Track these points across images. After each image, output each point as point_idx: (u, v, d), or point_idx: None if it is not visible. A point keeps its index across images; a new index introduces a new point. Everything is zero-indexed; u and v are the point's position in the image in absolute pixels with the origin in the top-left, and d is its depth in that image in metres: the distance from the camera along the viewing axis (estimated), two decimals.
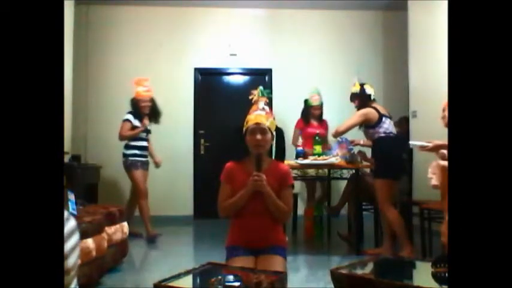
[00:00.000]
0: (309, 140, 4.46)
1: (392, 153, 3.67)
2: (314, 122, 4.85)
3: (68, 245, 1.33)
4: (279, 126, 2.27)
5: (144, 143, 4.52)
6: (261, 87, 2.30)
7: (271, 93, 2.34)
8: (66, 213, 1.41)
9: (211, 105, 5.81)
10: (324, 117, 4.98)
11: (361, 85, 3.91)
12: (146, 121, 4.47)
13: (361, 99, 3.87)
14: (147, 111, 4.47)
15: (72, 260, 1.32)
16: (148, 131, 4.56)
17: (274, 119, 2.21)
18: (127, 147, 4.47)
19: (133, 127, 4.41)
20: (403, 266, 2.13)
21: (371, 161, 3.95)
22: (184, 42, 5.81)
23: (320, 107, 4.84)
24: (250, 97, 2.29)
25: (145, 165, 4.53)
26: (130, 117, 4.42)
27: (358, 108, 3.88)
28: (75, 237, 1.41)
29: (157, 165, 4.74)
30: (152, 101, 4.52)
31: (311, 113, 4.83)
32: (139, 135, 4.47)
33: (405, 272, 2.04)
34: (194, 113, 5.77)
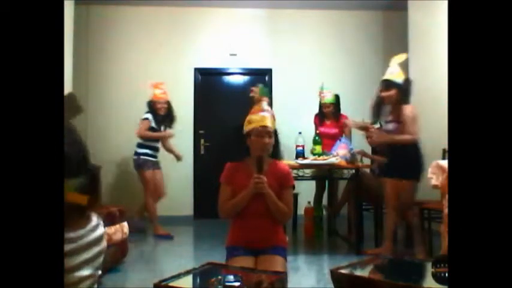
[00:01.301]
0: (324, 140, 4.23)
1: (422, 155, 3.49)
2: (328, 121, 4.55)
3: (89, 254, 1.31)
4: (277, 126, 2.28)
5: (157, 144, 4.66)
6: (261, 85, 2.28)
7: (270, 91, 2.35)
8: (97, 220, 1.40)
9: (211, 105, 5.81)
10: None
11: (407, 80, 3.49)
12: (164, 135, 4.62)
13: (403, 93, 3.42)
14: (162, 112, 4.59)
15: (86, 272, 1.30)
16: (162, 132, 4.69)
17: (274, 119, 2.21)
18: (139, 146, 4.57)
19: (151, 128, 4.54)
20: (403, 266, 2.13)
21: (378, 159, 3.93)
22: (184, 42, 5.81)
23: (330, 104, 4.48)
24: (251, 94, 2.28)
25: (156, 165, 4.66)
26: (149, 116, 4.53)
27: (392, 101, 3.44)
28: (99, 247, 1.38)
29: (178, 158, 4.85)
30: (168, 103, 4.64)
31: (323, 111, 4.56)
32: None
33: (405, 272, 2.04)
34: (194, 113, 5.77)
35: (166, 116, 4.64)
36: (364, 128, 3.94)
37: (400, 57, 3.57)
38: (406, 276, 1.97)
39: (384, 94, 3.45)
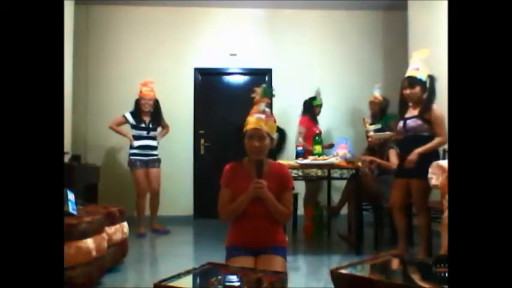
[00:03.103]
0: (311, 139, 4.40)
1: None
2: (315, 122, 4.92)
3: None
4: (280, 126, 2.24)
5: (145, 142, 4.69)
6: (264, 86, 2.22)
7: (273, 91, 2.27)
8: None
9: (211, 105, 5.81)
10: (322, 116, 5.07)
11: (431, 77, 3.30)
12: (128, 136, 4.70)
13: (428, 90, 3.30)
14: (146, 109, 4.70)
15: None
16: (149, 129, 4.72)
17: (275, 121, 2.17)
18: (130, 147, 4.69)
19: (131, 125, 4.70)
20: (403, 266, 2.13)
21: (388, 165, 3.90)
22: (184, 42, 5.81)
23: (320, 106, 4.91)
24: (252, 95, 2.23)
25: (146, 164, 4.69)
26: (127, 114, 4.71)
27: (416, 98, 3.35)
28: None
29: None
30: (155, 101, 4.76)
31: (316, 111, 4.85)
32: (139, 134, 4.67)
33: (405, 272, 2.03)
34: (194, 113, 5.77)
35: (152, 113, 4.74)
36: (388, 138, 3.91)
37: (422, 53, 3.43)
38: (406, 276, 1.97)
39: (408, 92, 3.35)
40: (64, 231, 2.01)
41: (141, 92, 4.71)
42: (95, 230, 2.66)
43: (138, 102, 4.71)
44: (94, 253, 2.58)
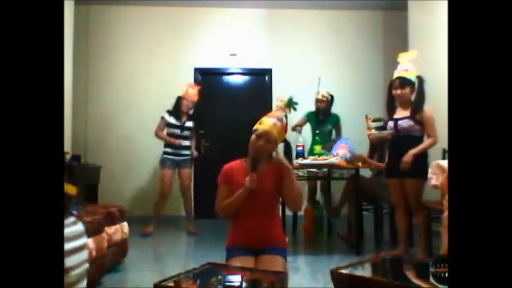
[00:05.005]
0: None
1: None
2: None
3: (71, 245, 1.35)
4: (287, 139, 2.33)
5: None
6: (291, 97, 2.30)
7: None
8: (73, 218, 1.44)
9: (211, 105, 5.81)
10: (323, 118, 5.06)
11: (420, 78, 3.39)
12: (178, 141, 4.63)
13: (417, 91, 3.37)
14: (186, 109, 4.65)
15: (73, 259, 1.34)
16: (184, 129, 4.66)
17: (286, 131, 2.24)
18: (164, 144, 4.67)
19: (168, 124, 4.64)
20: (403, 266, 2.13)
21: (378, 165, 3.89)
22: (184, 42, 5.81)
23: None
24: (278, 100, 2.32)
25: (177, 164, 4.67)
26: (165, 114, 4.66)
27: (406, 98, 3.40)
28: (81, 240, 1.42)
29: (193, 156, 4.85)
30: (196, 104, 4.72)
31: None
32: (173, 132, 4.64)
33: (405, 272, 2.04)
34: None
35: (190, 115, 4.70)
36: (387, 137, 3.88)
37: (410, 55, 3.52)
38: (406, 276, 1.97)
39: (399, 92, 3.39)
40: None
41: (186, 92, 4.64)
42: (95, 230, 2.66)
43: (179, 101, 4.63)
44: (94, 253, 2.58)
